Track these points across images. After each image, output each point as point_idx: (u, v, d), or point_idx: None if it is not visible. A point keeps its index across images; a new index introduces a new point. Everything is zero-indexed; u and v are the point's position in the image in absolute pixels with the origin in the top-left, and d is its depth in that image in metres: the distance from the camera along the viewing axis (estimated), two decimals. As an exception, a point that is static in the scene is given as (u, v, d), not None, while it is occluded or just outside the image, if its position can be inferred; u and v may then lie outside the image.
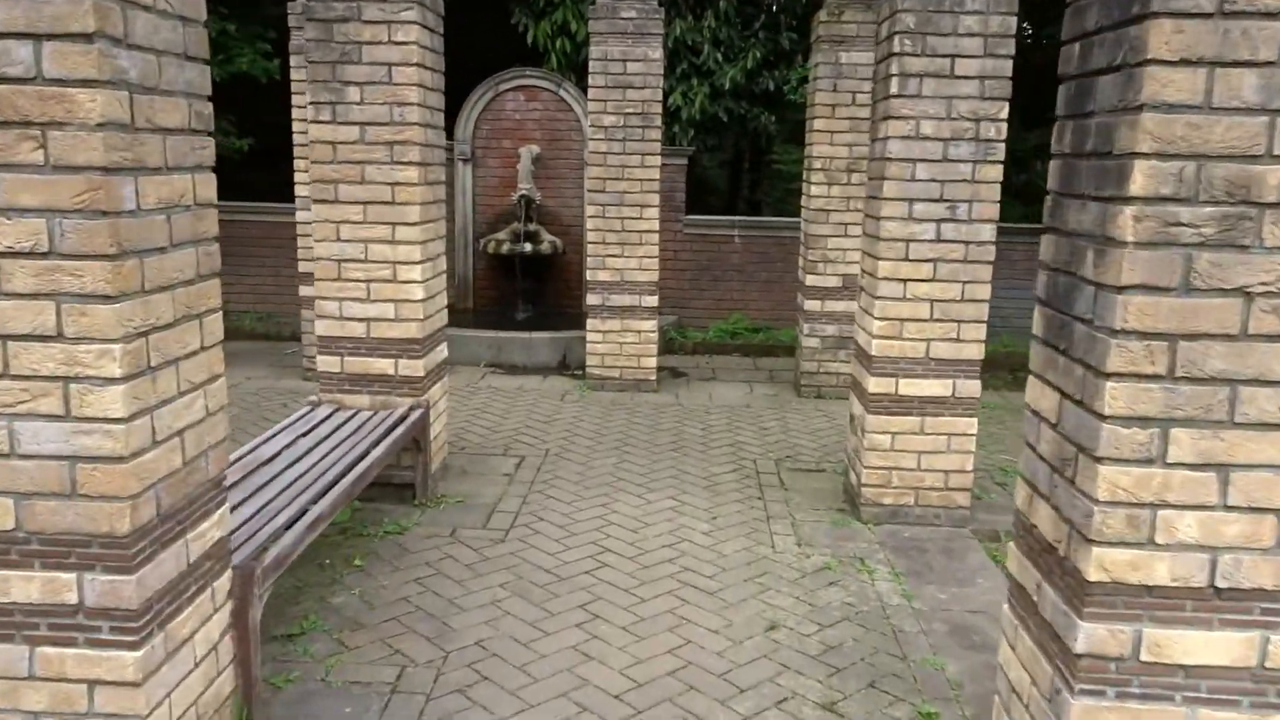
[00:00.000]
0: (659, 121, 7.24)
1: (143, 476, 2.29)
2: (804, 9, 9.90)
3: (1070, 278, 2.37)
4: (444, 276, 5.32)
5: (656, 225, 7.35)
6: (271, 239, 9.48)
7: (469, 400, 7.17)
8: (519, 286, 9.62)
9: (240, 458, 4.05)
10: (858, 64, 7.04)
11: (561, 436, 6.27)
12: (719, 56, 9.76)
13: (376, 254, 4.81)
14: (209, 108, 2.60)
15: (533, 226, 9.53)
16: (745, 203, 15.77)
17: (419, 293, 4.84)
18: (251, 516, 3.34)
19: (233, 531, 3.12)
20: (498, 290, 9.98)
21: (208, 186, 2.60)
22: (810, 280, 7.35)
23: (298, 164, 7.33)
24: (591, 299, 7.47)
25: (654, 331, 7.50)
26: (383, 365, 4.92)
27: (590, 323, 7.51)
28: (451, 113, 9.63)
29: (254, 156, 10.26)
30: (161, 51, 2.33)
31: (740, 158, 14.48)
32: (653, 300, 7.44)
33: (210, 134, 2.61)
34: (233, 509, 3.40)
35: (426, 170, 4.89)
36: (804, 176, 7.62)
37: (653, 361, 7.55)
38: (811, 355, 7.46)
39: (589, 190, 7.35)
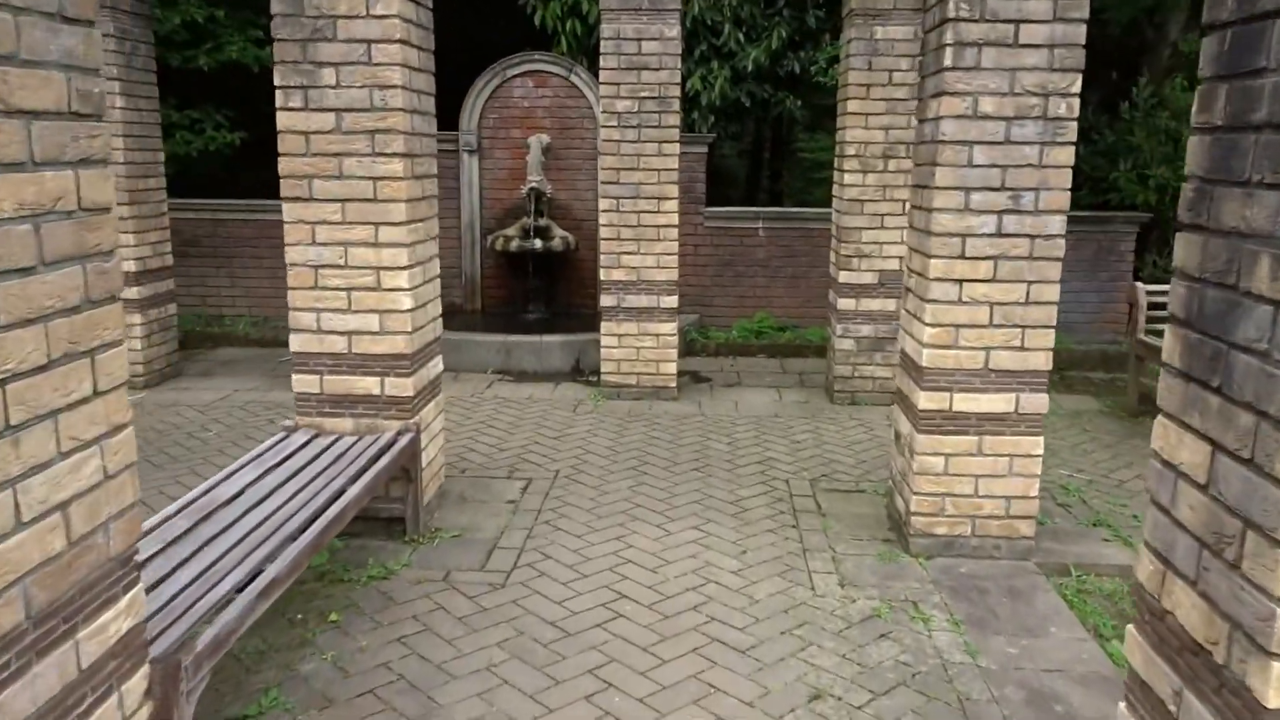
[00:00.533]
0: (677, 106, 6.64)
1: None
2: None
3: (1227, 292, 1.77)
4: (437, 283, 4.75)
5: (676, 219, 6.76)
6: (266, 238, 8.95)
7: (473, 412, 6.61)
8: (529, 285, 9.06)
9: (192, 501, 3.50)
10: (895, 39, 6.41)
11: (573, 454, 5.70)
12: (740, 37, 9.13)
13: (357, 258, 4.25)
14: (98, 85, 2.03)
15: (543, 221, 8.95)
16: (766, 193, 15.10)
17: (406, 301, 4.27)
18: (191, 583, 2.78)
19: (162, 608, 2.57)
20: (507, 290, 9.41)
21: (99, 186, 2.03)
22: (843, 277, 6.73)
23: (286, 158, 6.78)
24: (606, 300, 6.89)
25: (674, 334, 6.91)
26: (367, 384, 4.36)
27: (605, 325, 6.93)
28: (456, 101, 9.09)
29: (247, 150, 9.73)
30: (19, 9, 1.76)
31: (761, 145, 13.83)
32: (672, 300, 6.84)
33: (101, 118, 2.04)
34: (171, 572, 2.85)
35: (413, 162, 4.31)
36: (835, 164, 7.00)
37: (673, 367, 6.96)
38: (845, 358, 6.85)
39: (602, 183, 6.76)
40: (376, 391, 4.36)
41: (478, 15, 10.48)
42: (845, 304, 6.77)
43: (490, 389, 7.28)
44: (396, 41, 4.06)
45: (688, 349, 8.49)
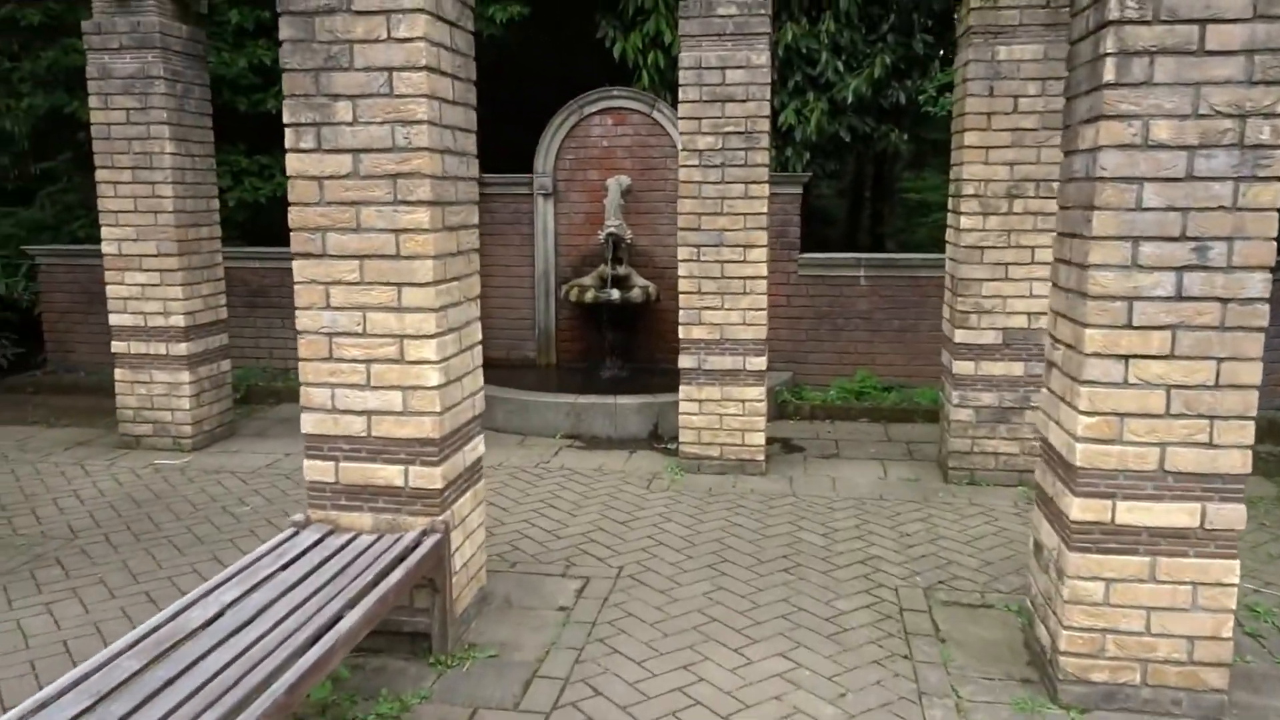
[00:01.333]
0: (766, 142, 5.86)
1: None
2: (943, 3, 8.39)
3: None
4: (477, 352, 4.05)
5: (764, 269, 5.95)
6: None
7: (534, 487, 5.88)
8: (606, 339, 8.34)
9: (153, 630, 2.82)
10: (1021, 60, 5.52)
11: (641, 545, 4.90)
12: (839, 65, 8.32)
13: (377, 325, 3.57)
14: None
15: (622, 269, 8.25)
16: (868, 236, 14.15)
17: (434, 377, 3.57)
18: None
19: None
20: (584, 343, 8.72)
21: None
22: (960, 336, 5.81)
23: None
24: (685, 361, 6.11)
25: (762, 400, 6.08)
26: (388, 474, 3.66)
27: (684, 390, 6.14)
28: (531, 142, 8.51)
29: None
30: None
31: (861, 184, 12.92)
32: (760, 362, 6.02)
33: None
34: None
35: (444, 211, 3.63)
36: (950, 205, 6.11)
37: (760, 437, 6.12)
38: (962, 430, 5.90)
39: (680, 229, 6.01)
40: (399, 482, 3.65)
41: (555, 51, 9.93)
42: (962, 367, 5.83)
43: (557, 457, 6.55)
44: (422, 69, 3.39)
45: (779, 411, 7.63)
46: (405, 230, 3.50)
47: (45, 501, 5.56)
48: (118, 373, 6.66)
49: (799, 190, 8.02)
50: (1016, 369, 5.80)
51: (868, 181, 12.98)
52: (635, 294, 7.98)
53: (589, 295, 7.99)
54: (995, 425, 5.87)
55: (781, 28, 8.32)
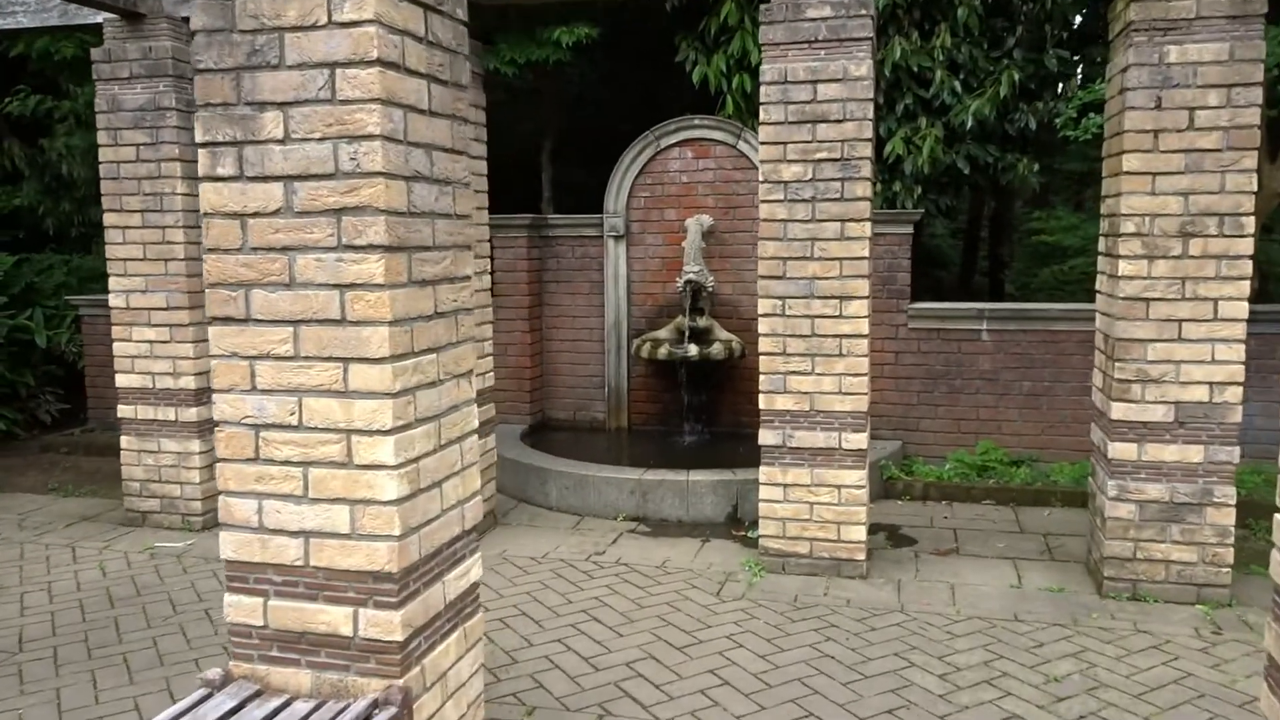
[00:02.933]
0: (868, 171, 4.76)
1: None
2: (1081, 9, 7.15)
3: None
4: (467, 445, 3.03)
5: (865, 326, 4.83)
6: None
7: (579, 591, 4.84)
8: (684, 401, 7.29)
9: None
10: (1199, 62, 4.31)
11: (699, 687, 3.80)
12: (956, 86, 7.16)
13: (317, 414, 2.60)
14: None
15: (702, 321, 7.21)
16: (985, 281, 12.77)
17: (390, 487, 2.58)
18: None
19: None
20: (659, 404, 7.68)
21: None
22: (1119, 411, 4.56)
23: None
24: (767, 436, 5.01)
25: (862, 486, 4.92)
26: (332, 618, 2.67)
27: (765, 471, 5.04)
28: (603, 179, 7.60)
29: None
30: None
31: (977, 223, 11.59)
32: (860, 439, 4.88)
33: None
34: None
35: (409, 260, 2.65)
36: (1102, 246, 4.89)
37: (860, 532, 4.95)
38: (1122, 530, 4.63)
39: (761, 277, 4.94)
40: (346, 630, 2.66)
41: (637, 76, 9.03)
42: (1121, 451, 4.58)
43: (615, 546, 5.50)
44: (374, 64, 2.45)
45: (884, 490, 6.43)
46: (353, 286, 2.53)
47: (11, 598, 4.78)
48: (124, 440, 5.93)
49: (909, 230, 6.86)
50: (1194, 454, 4.51)
51: (980, 218, 11.66)
52: (716, 350, 6.91)
53: (662, 351, 6.97)
54: (1166, 525, 4.58)
55: (888, 43, 7.22)
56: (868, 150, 4.76)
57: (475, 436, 3.08)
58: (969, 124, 6.93)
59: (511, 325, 7.58)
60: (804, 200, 4.82)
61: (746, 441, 7.07)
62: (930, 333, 6.90)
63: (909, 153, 7.20)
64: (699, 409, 7.31)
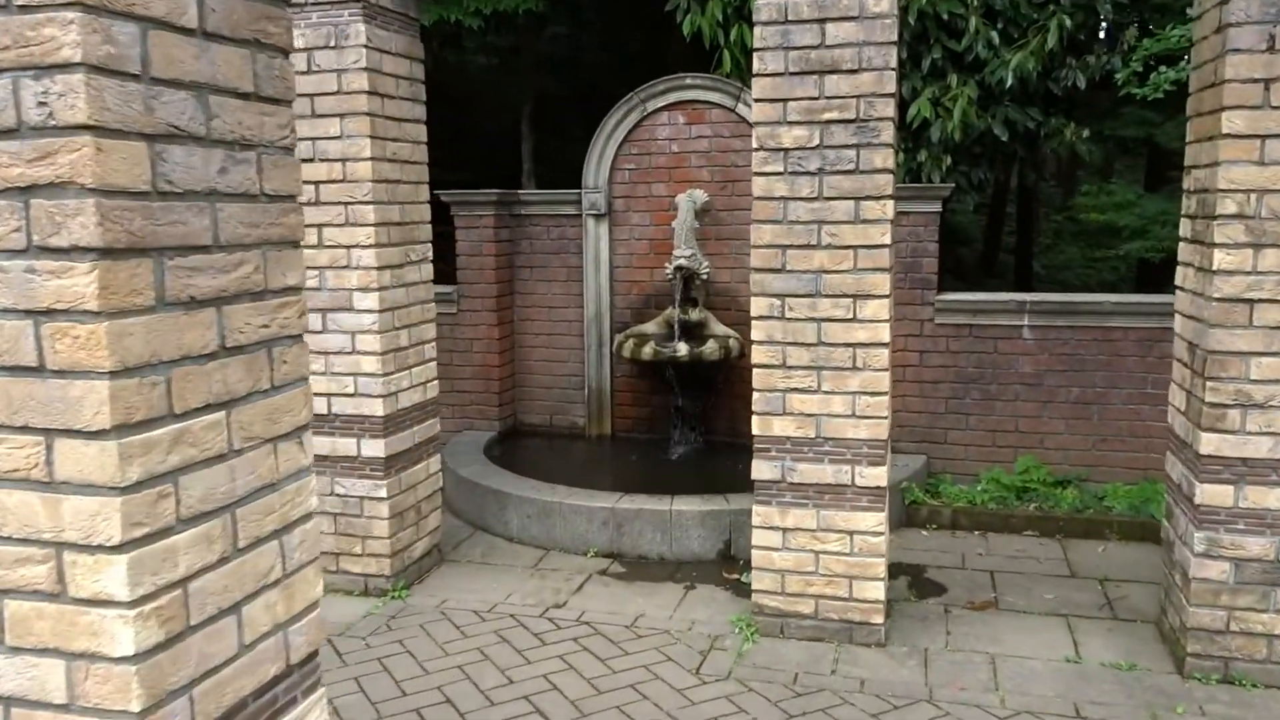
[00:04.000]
0: (890, 135, 3.74)
1: None
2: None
3: None
4: (287, 544, 2.03)
5: (886, 333, 3.83)
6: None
7: (525, 666, 3.88)
8: (674, 407, 6.30)
9: None
10: (1334, -14, 3.26)
11: (662, 826, 2.83)
12: (993, 37, 6.08)
13: (11, 518, 1.62)
14: None
15: (695, 315, 6.21)
16: (1010, 261, 11.67)
17: (122, 635, 1.60)
18: None
19: None
20: (648, 406, 6.70)
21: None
22: (1210, 444, 3.55)
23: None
24: (762, 469, 4.02)
25: (880, 531, 3.94)
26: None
27: (760, 512, 4.06)
28: (581, 150, 6.57)
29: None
30: None
31: (1001, 195, 10.45)
32: (878, 474, 3.89)
33: None
34: None
35: (156, 270, 1.66)
36: (1185, 231, 3.86)
37: (877, 589, 3.97)
38: (1211, 596, 3.63)
39: (755, 270, 3.95)
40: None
41: (621, 31, 7.97)
42: (1212, 494, 3.57)
43: (580, 595, 4.55)
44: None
45: (906, 516, 5.45)
46: (51, 313, 1.55)
47: None
48: None
49: (936, 208, 5.81)
50: (1310, 500, 3.50)
51: (1010, 192, 10.54)
52: (710, 349, 5.91)
53: (647, 350, 5.97)
54: (1270, 591, 3.58)
55: (914, -14, 6.15)
56: (889, 109, 3.73)
57: (313, 521, 2.09)
58: (1009, 82, 5.84)
59: (476, 318, 6.60)
60: (808, 173, 3.80)
61: (745, 455, 6.09)
62: (961, 329, 5.87)
63: (936, 116, 6.13)
64: (691, 415, 6.32)
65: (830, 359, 3.88)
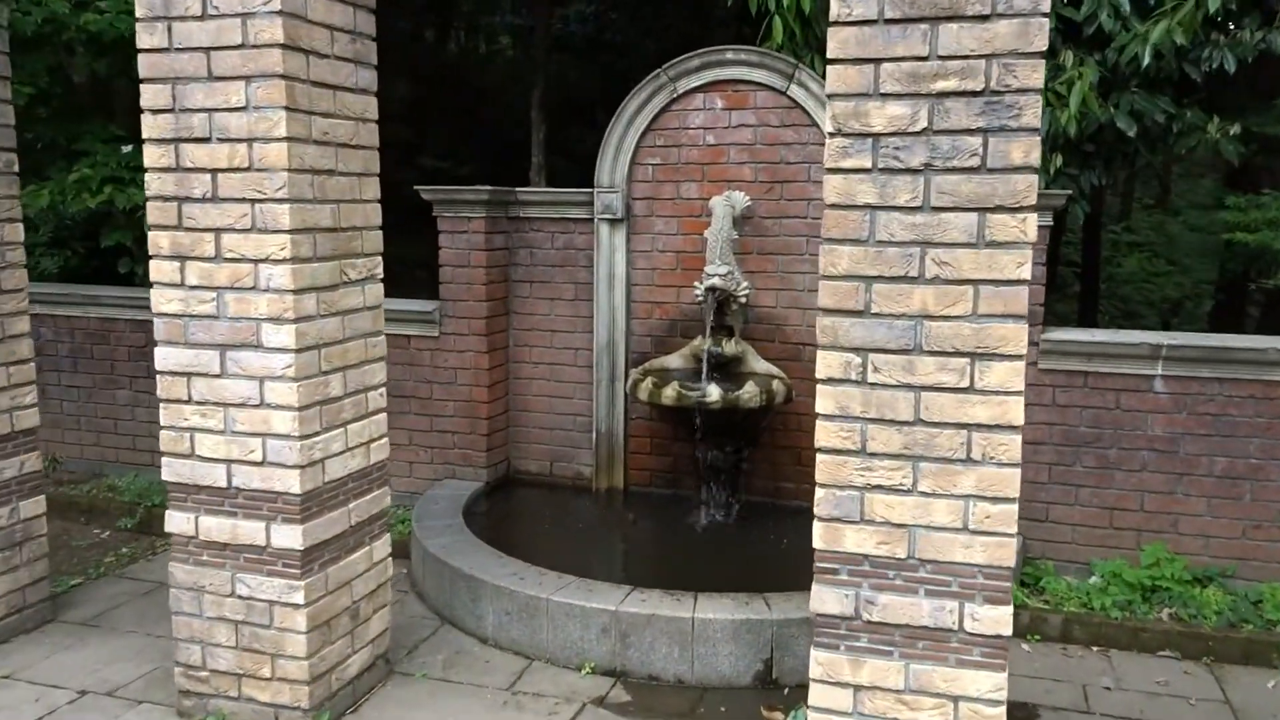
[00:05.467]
0: (1035, 115, 2.47)
1: None
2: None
3: None
4: None
5: (1018, 410, 2.56)
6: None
7: None
8: (702, 459, 5.05)
9: None
10: None
11: None
12: (1121, 6, 4.77)
13: None
14: None
15: (731, 348, 4.98)
16: (1069, 274, 10.28)
17: None
18: None
19: None
20: (669, 456, 5.47)
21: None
22: None
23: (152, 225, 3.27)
24: (825, 599, 2.77)
25: (999, 700, 2.67)
26: None
27: (821, 660, 2.80)
28: (594, 141, 5.33)
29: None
30: None
31: (1098, 204, 9.06)
32: (999, 616, 2.63)
33: None
34: None
35: None
36: None
37: (994, 785, 2.69)
38: None
39: (823, 310, 2.68)
40: None
41: (661, 7, 6.76)
42: None
43: (565, 743, 3.32)
44: None
45: (1003, 625, 4.15)
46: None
47: None
48: None
49: (1047, 221, 4.52)
50: None
51: (1100, 202, 9.15)
52: (749, 394, 4.65)
53: (669, 393, 4.73)
54: None
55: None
56: (1035, 77, 2.47)
57: None
58: (1145, 61, 4.51)
59: (462, 342, 5.39)
60: (909, 170, 2.55)
61: (790, 524, 4.86)
62: (1073, 376, 4.57)
63: (1047, 105, 4.82)
64: (722, 471, 5.07)
65: (933, 446, 2.62)
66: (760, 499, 5.26)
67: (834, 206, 2.64)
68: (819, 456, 2.73)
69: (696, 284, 4.94)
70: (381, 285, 3.64)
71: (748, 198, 5.08)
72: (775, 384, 4.81)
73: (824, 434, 2.71)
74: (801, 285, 5.09)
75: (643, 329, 5.40)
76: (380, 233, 3.61)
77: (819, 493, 2.75)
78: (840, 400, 2.68)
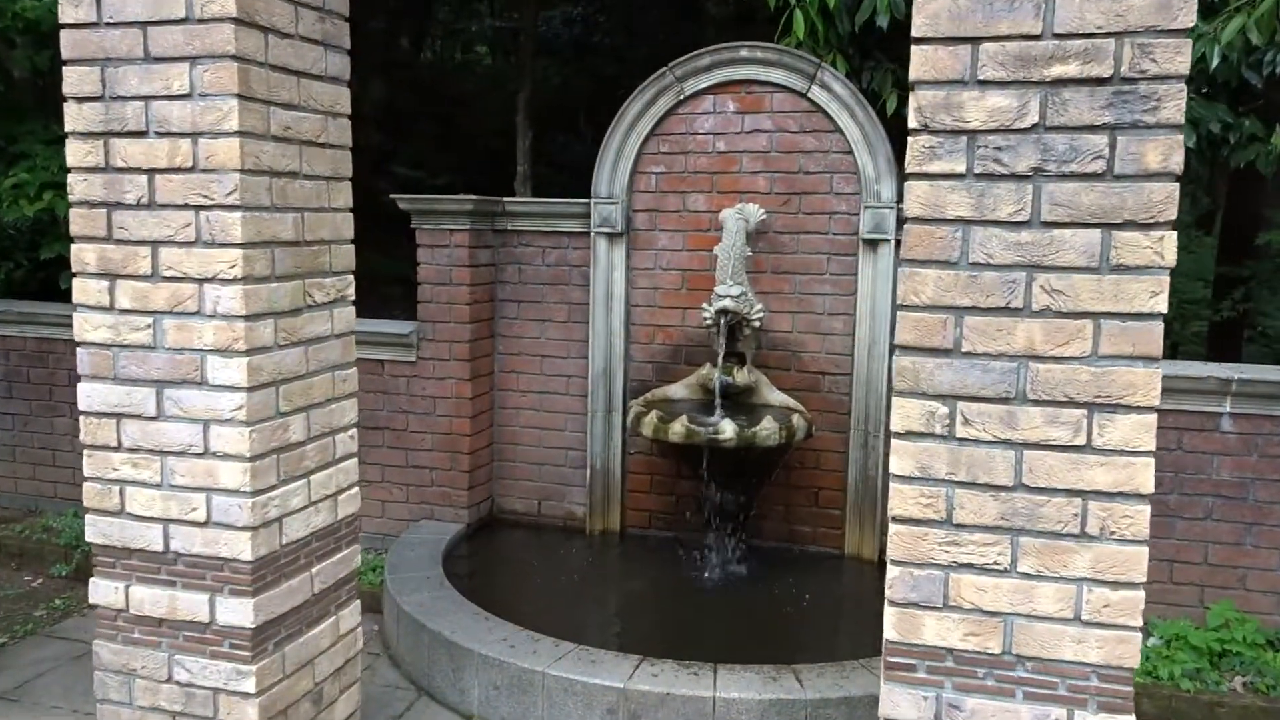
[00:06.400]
0: (1179, 109, 1.98)
1: None
2: None
3: None
4: None
5: (1148, 477, 2.06)
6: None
7: None
8: (711, 501, 4.52)
9: None
10: None
11: None
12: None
13: None
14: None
15: (743, 376, 4.47)
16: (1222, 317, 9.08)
17: None
18: None
19: None
20: (671, 495, 4.95)
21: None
22: None
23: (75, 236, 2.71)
24: (898, 700, 2.26)
25: (1115, 829, 2.16)
26: None
27: (890, 773, 2.28)
28: (592, 152, 4.80)
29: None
30: None
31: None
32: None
33: None
34: None
35: None
36: None
37: None
38: None
39: (901, 349, 2.17)
40: None
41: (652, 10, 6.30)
42: None
43: None
44: None
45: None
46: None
47: None
48: None
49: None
50: None
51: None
52: (767, 431, 4.14)
53: (678, 428, 4.20)
54: None
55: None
56: (1179, 60, 1.99)
57: None
58: (1213, 64, 4.05)
59: (442, 368, 4.85)
60: (1014, 176, 2.05)
61: (808, 573, 4.36)
62: (1128, 413, 4.09)
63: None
64: (732, 515, 4.55)
65: (1037, 516, 2.12)
66: (773, 544, 4.75)
67: (917, 220, 2.14)
68: (893, 527, 2.23)
69: (705, 306, 4.44)
70: (353, 309, 3.10)
71: (763, 210, 4.58)
72: (796, 419, 4.30)
73: (900, 500, 2.20)
74: (821, 308, 4.60)
75: (643, 355, 4.88)
76: (352, 247, 3.08)
77: (892, 571, 2.24)
78: (921, 459, 2.18)
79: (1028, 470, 2.12)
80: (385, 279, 8.02)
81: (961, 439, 2.15)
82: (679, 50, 4.75)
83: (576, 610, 4.12)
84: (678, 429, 4.19)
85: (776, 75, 4.52)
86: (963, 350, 2.13)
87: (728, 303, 4.33)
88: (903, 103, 4.81)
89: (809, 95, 4.48)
